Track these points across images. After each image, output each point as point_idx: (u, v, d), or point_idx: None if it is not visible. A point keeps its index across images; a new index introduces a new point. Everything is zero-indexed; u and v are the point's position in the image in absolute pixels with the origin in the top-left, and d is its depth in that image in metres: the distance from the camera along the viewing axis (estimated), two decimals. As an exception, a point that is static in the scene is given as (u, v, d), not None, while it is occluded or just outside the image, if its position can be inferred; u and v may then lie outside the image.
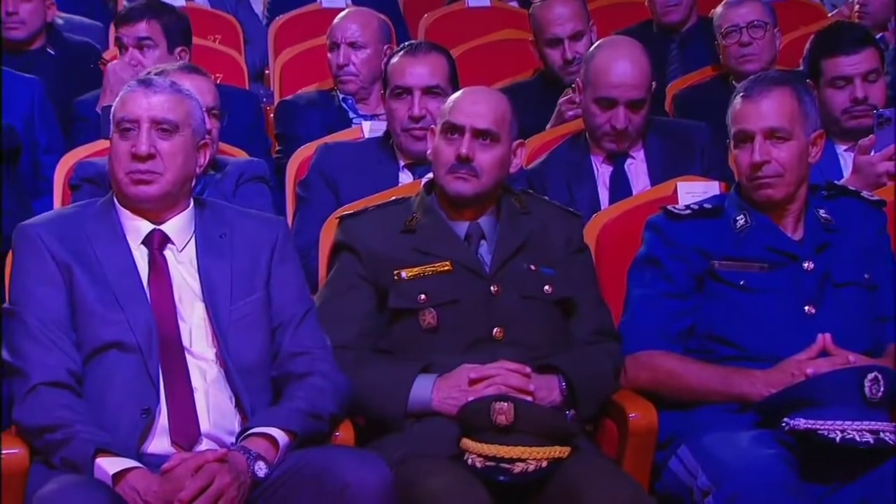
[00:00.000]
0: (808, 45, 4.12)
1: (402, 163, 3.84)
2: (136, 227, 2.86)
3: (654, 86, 3.90)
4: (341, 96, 4.69)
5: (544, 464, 2.77)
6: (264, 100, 5.22)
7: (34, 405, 2.66)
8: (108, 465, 2.56)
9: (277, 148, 4.73)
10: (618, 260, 3.36)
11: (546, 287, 3.08)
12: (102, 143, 3.76)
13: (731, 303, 3.09)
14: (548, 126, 4.37)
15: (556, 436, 2.80)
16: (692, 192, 3.50)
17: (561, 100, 4.37)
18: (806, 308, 3.07)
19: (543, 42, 4.63)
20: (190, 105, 2.89)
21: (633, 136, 3.87)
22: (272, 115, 4.92)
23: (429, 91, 3.77)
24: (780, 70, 4.13)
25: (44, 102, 4.35)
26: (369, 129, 4.18)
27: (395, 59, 3.87)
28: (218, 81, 4.61)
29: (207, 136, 2.99)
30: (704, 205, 3.23)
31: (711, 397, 3.02)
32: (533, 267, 3.09)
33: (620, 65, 3.80)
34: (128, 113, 2.83)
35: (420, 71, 3.80)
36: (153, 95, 2.84)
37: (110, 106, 2.99)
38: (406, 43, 4.08)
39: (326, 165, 3.85)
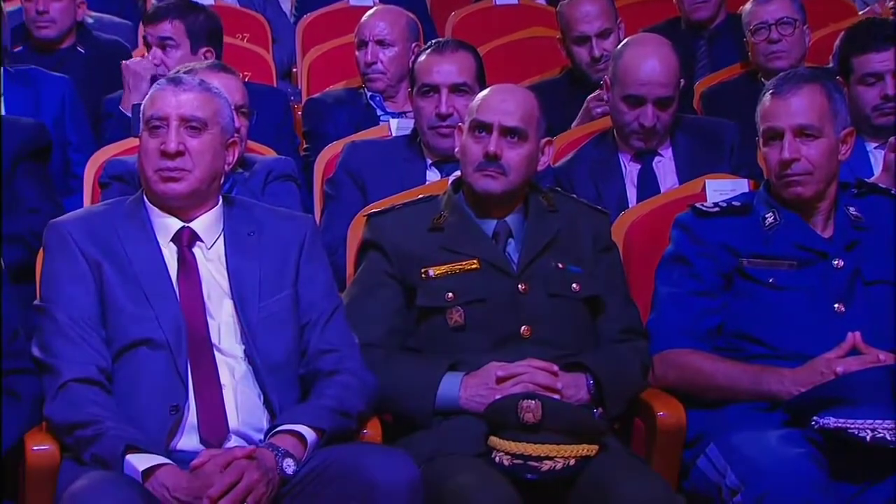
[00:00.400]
0: (837, 42, 4.09)
1: (429, 161, 3.84)
2: (166, 225, 2.88)
3: (682, 83, 3.88)
4: (369, 94, 4.69)
5: (572, 462, 2.76)
6: (292, 98, 5.23)
7: (65, 402, 2.68)
8: (138, 461, 2.58)
9: (305, 146, 4.74)
10: (646, 258, 3.35)
11: (574, 285, 3.08)
12: (132, 141, 3.79)
13: (760, 301, 3.08)
14: (574, 124, 4.36)
15: (583, 434, 2.80)
16: (721, 189, 3.48)
17: (589, 97, 4.37)
18: (836, 306, 3.05)
19: (571, 40, 4.62)
20: (219, 103, 2.90)
21: (662, 133, 3.85)
22: (300, 112, 4.93)
23: (456, 89, 3.77)
24: (809, 67, 4.11)
25: (74, 101, 4.38)
26: (397, 126, 4.18)
27: (422, 58, 3.87)
28: (246, 80, 4.63)
29: (236, 135, 3.00)
30: (733, 202, 3.22)
31: (740, 396, 3.01)
32: (560, 265, 3.09)
33: (649, 62, 3.78)
34: (157, 111, 2.85)
35: (447, 69, 3.80)
36: (182, 93, 2.86)
37: (140, 104, 3.00)
38: (433, 41, 4.08)
39: (354, 163, 3.86)
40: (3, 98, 4.20)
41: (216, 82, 3.11)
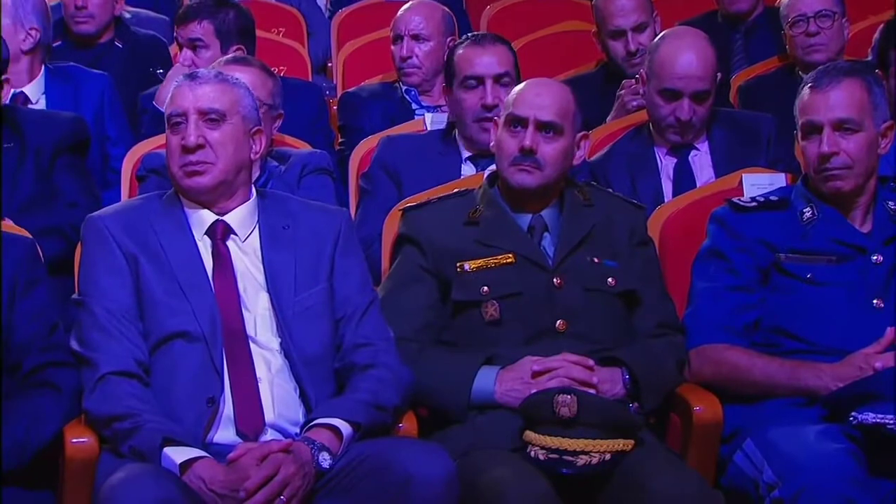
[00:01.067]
0: (877, 35, 4.07)
1: (465, 155, 3.84)
2: (200, 218, 2.90)
3: (719, 77, 3.86)
4: (404, 88, 4.70)
5: (608, 456, 2.76)
6: (327, 92, 5.24)
7: (103, 395, 2.70)
8: (175, 454, 2.59)
9: (340, 140, 4.75)
10: (682, 252, 3.34)
11: (609, 279, 3.07)
12: (168, 136, 3.81)
13: (797, 296, 3.06)
14: (609, 118, 4.35)
15: (619, 428, 2.79)
16: (758, 184, 3.46)
17: (621, 91, 4.35)
18: (874, 301, 3.03)
19: (607, 34, 4.60)
20: (237, 93, 2.91)
21: (698, 127, 3.83)
22: (335, 107, 4.94)
23: (499, 79, 3.77)
24: (848, 60, 4.08)
25: (112, 97, 4.41)
26: (432, 121, 4.18)
27: (460, 51, 3.86)
28: (281, 74, 4.65)
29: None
30: (770, 197, 3.19)
31: (777, 391, 2.99)
32: (596, 259, 3.08)
33: (685, 56, 3.76)
34: (175, 107, 2.86)
35: (489, 60, 3.80)
36: (198, 87, 2.87)
37: None
38: (468, 34, 4.08)
39: (389, 158, 3.86)
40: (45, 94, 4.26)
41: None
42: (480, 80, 3.76)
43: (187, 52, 4.39)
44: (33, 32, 4.27)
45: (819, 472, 2.66)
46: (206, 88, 2.86)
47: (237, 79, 2.98)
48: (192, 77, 2.92)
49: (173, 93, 2.90)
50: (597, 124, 4.15)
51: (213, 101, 2.85)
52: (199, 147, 2.82)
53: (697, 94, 3.75)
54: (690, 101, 3.75)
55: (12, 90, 4.10)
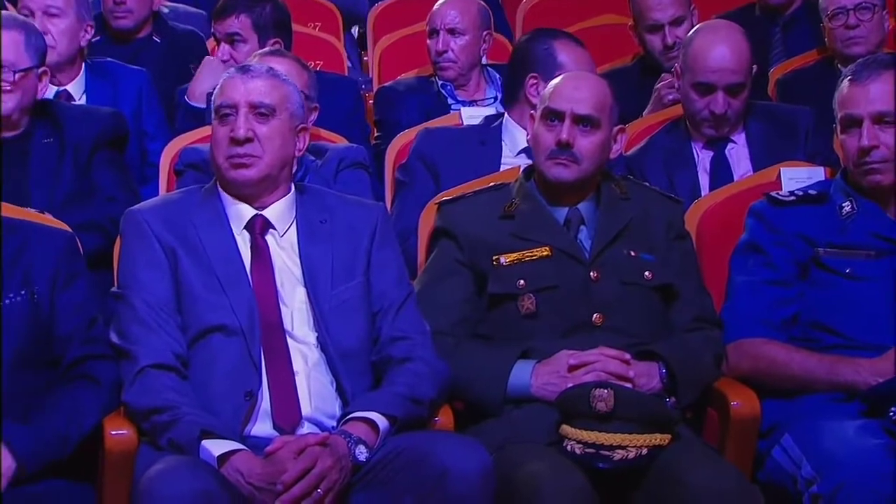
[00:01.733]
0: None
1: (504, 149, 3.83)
2: (239, 213, 2.91)
3: (754, 69, 3.84)
4: (440, 83, 4.70)
5: (644, 451, 2.75)
6: (363, 86, 5.25)
7: (142, 387, 2.72)
8: (213, 447, 2.61)
9: (376, 134, 4.76)
10: (719, 246, 3.32)
11: (646, 273, 3.06)
12: (205, 130, 3.83)
13: (836, 291, 3.04)
14: (646, 111, 4.34)
15: (656, 423, 2.79)
16: (796, 177, 3.44)
17: (658, 84, 4.33)
18: (914, 296, 3.01)
19: (643, 27, 4.58)
20: (287, 89, 2.92)
21: (733, 120, 3.81)
22: (371, 101, 4.95)
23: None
24: (888, 53, 4.04)
25: (151, 92, 4.44)
26: (468, 115, 4.18)
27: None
28: (318, 69, 4.66)
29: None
30: (809, 191, 3.18)
31: (816, 386, 2.97)
32: (633, 253, 3.07)
33: (719, 49, 3.74)
34: (226, 98, 2.88)
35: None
36: (250, 80, 2.88)
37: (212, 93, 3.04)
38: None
39: (427, 150, 3.86)
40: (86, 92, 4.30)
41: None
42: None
43: (225, 47, 4.42)
44: (89, 29, 4.33)
45: (858, 467, 2.64)
46: (257, 83, 2.88)
47: (287, 75, 3.00)
48: (243, 70, 2.93)
49: (224, 84, 2.91)
50: (633, 118, 4.14)
51: (264, 96, 2.86)
52: (248, 140, 2.83)
53: (731, 88, 3.73)
54: (725, 94, 3.73)
55: (55, 88, 4.14)
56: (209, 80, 4.15)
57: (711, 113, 3.75)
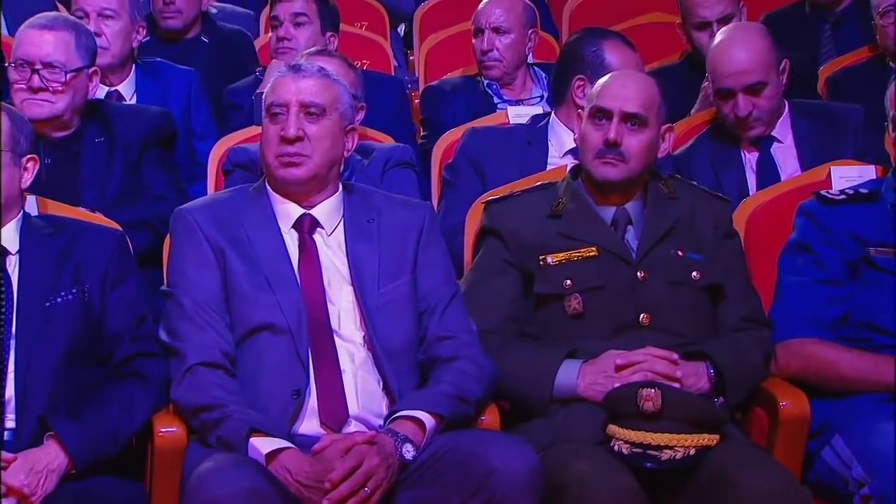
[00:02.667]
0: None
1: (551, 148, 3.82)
2: (287, 212, 2.92)
3: (783, 64, 3.78)
4: (486, 81, 4.70)
5: (692, 451, 2.73)
6: (409, 86, 5.26)
7: (191, 385, 2.74)
8: (261, 444, 2.62)
9: (422, 133, 4.77)
10: (768, 246, 3.30)
11: (694, 273, 3.04)
12: (253, 130, 3.85)
13: (887, 291, 3.01)
14: (693, 110, 4.31)
15: (704, 423, 2.77)
16: (847, 176, 3.41)
17: (706, 82, 4.31)
18: (966, 297, 2.97)
19: (692, 25, 4.55)
20: (338, 90, 2.93)
21: (766, 118, 3.78)
22: (417, 100, 4.95)
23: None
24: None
25: (199, 92, 4.47)
26: (514, 114, 4.18)
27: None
28: (364, 68, 4.67)
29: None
30: (860, 189, 3.15)
31: (866, 387, 2.94)
32: (680, 253, 3.05)
33: (730, 52, 3.74)
34: (277, 97, 2.89)
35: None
36: (302, 80, 2.89)
37: (262, 93, 3.05)
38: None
39: (474, 150, 3.86)
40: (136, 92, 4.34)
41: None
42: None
43: (288, 27, 4.45)
44: (141, 30, 4.37)
45: (910, 469, 2.62)
46: (309, 82, 2.89)
47: (338, 76, 3.01)
48: (295, 69, 2.95)
49: (275, 83, 2.93)
50: (681, 117, 4.12)
51: (315, 96, 2.88)
52: (298, 139, 2.84)
53: (750, 88, 3.71)
54: (745, 95, 3.71)
55: (106, 88, 4.18)
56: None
57: (736, 116, 3.73)
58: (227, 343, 2.80)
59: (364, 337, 2.85)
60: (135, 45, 4.35)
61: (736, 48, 3.74)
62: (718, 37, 3.87)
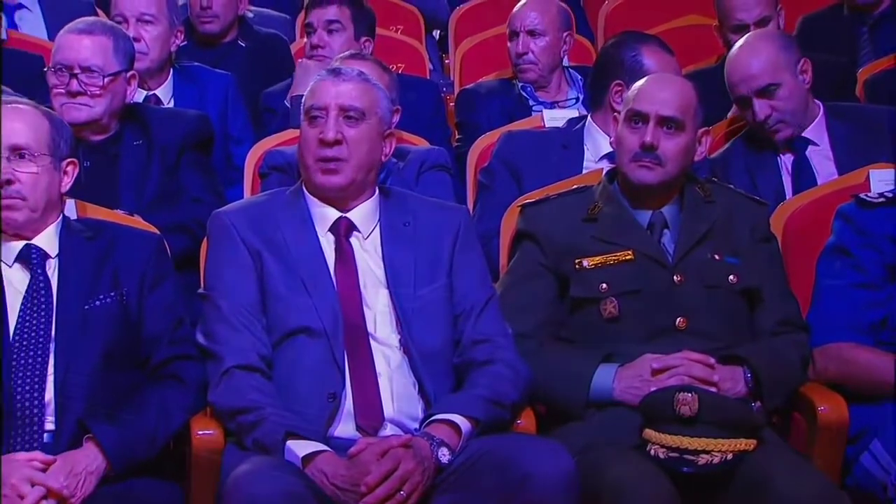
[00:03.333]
0: None
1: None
2: (323, 215, 2.93)
3: (802, 63, 3.74)
4: (521, 84, 4.69)
5: (730, 456, 2.72)
6: (444, 89, 5.27)
7: (228, 388, 2.75)
8: (298, 448, 2.63)
9: (458, 136, 4.77)
10: (806, 249, 3.28)
11: (731, 276, 3.03)
12: (290, 133, 3.87)
13: (927, 295, 2.99)
14: (730, 113, 4.29)
15: (741, 427, 2.75)
16: (886, 179, 3.38)
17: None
18: None
19: (728, 28, 4.53)
20: (377, 94, 2.94)
21: (789, 119, 3.75)
22: (452, 103, 4.95)
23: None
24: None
25: (236, 96, 4.50)
26: (550, 117, 4.17)
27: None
28: (399, 71, 4.68)
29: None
30: (899, 192, 3.13)
31: (905, 391, 2.92)
32: (717, 256, 3.04)
33: (737, 60, 3.76)
34: (317, 101, 2.89)
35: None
36: (341, 84, 2.90)
37: (300, 96, 3.06)
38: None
39: (510, 154, 3.85)
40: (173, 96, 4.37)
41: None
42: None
43: (322, 34, 4.47)
44: (179, 34, 4.40)
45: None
46: (348, 86, 2.90)
47: (377, 80, 3.01)
48: (335, 73, 2.95)
49: (314, 86, 2.93)
50: (717, 120, 4.10)
51: (355, 100, 2.88)
52: (337, 142, 2.85)
53: (762, 91, 3.70)
54: (759, 99, 3.70)
55: (145, 92, 4.21)
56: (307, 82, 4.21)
57: (756, 122, 3.71)
58: (264, 346, 2.81)
59: (400, 340, 2.85)
60: (173, 49, 4.37)
61: (743, 54, 3.75)
62: (732, 49, 3.86)
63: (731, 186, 3.30)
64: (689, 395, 2.74)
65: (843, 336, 3.04)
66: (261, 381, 2.76)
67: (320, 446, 2.64)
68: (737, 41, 4.45)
